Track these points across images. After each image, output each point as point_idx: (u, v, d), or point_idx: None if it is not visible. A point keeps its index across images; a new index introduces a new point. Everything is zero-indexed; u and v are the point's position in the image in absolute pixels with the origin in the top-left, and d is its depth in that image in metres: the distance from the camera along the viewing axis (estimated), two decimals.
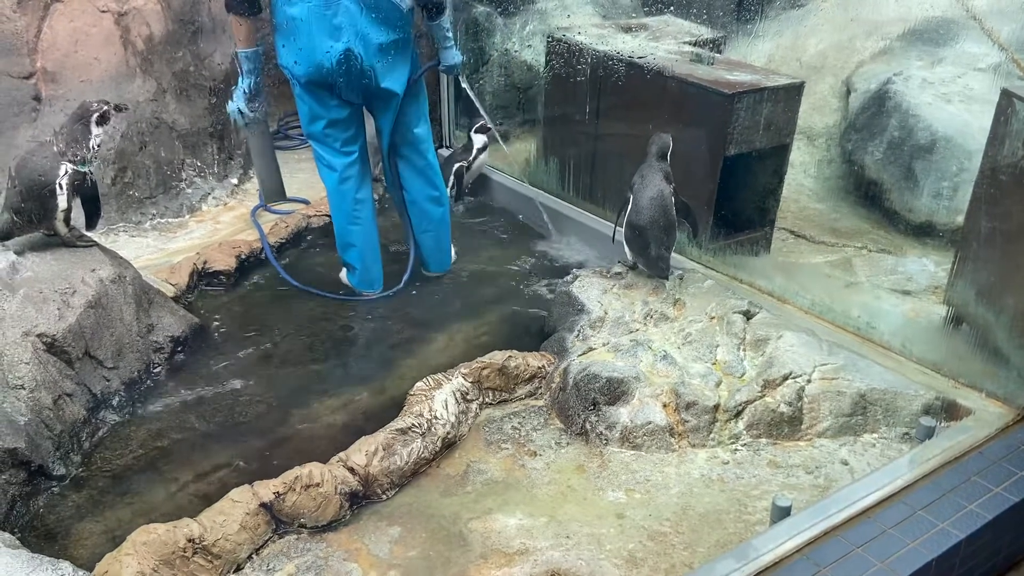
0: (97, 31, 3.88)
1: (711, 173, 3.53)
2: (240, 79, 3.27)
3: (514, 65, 5.00)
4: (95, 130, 2.80)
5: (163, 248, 3.86)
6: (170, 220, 4.13)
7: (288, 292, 3.55)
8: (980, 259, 2.89)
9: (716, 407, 2.71)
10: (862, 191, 4.41)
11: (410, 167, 3.54)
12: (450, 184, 4.37)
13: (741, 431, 2.70)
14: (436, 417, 2.63)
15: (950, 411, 2.65)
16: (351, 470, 2.40)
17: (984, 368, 2.72)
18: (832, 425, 2.69)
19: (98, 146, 2.84)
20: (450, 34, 3.34)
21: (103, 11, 3.88)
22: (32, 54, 3.72)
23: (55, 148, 2.79)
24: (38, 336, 2.55)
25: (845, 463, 2.58)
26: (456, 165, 4.39)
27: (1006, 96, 2.72)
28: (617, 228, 3.36)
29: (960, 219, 3.45)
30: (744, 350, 2.94)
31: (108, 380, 2.78)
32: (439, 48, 3.35)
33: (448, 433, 2.64)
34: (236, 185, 4.53)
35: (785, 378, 2.77)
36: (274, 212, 4.21)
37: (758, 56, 4.99)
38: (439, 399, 2.69)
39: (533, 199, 4.18)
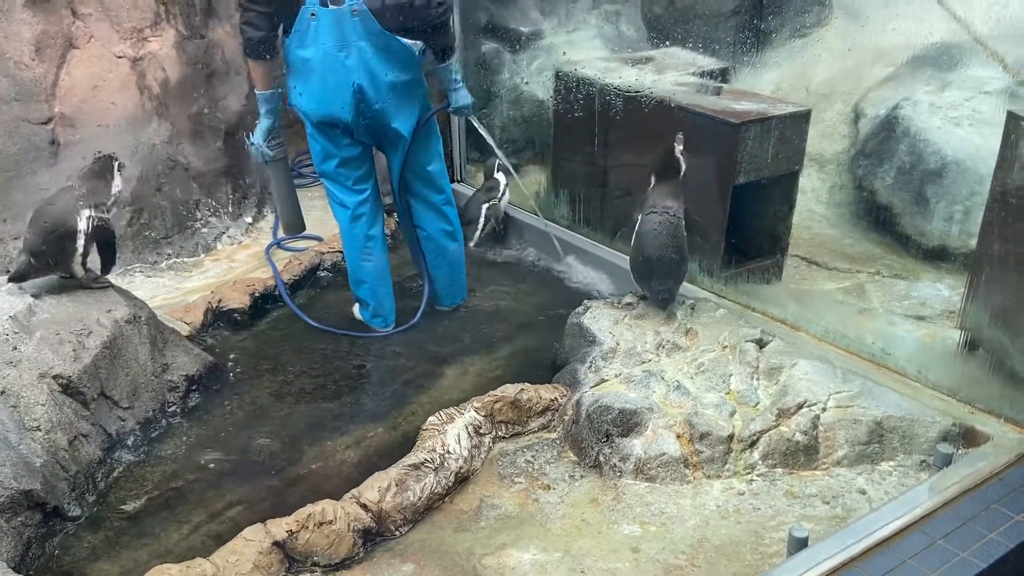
0: (113, 76, 3.97)
1: (721, 202, 3.53)
2: (260, 120, 3.34)
3: (523, 99, 5.05)
4: (117, 179, 2.87)
5: (178, 287, 3.91)
6: (185, 260, 4.19)
7: (302, 329, 3.57)
8: (993, 283, 2.87)
9: (731, 437, 2.69)
10: (874, 216, 4.40)
11: (424, 203, 3.57)
12: (483, 226, 4.40)
13: (756, 461, 2.68)
14: (449, 452, 2.63)
15: (968, 437, 2.62)
16: (364, 507, 2.39)
17: (1001, 393, 2.69)
18: (849, 454, 2.66)
19: (119, 193, 2.91)
20: (459, 76, 3.39)
21: (119, 57, 3.98)
22: (50, 100, 3.81)
23: (76, 193, 2.86)
24: (54, 378, 2.58)
25: (863, 492, 2.55)
26: (487, 204, 4.41)
27: (1013, 119, 2.72)
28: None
29: (973, 243, 3.43)
30: (758, 379, 2.92)
31: (123, 420, 2.80)
32: (448, 90, 3.40)
33: (461, 468, 2.63)
34: (250, 223, 4.59)
35: (800, 406, 2.74)
36: (288, 249, 4.26)
37: (765, 85, 5.02)
38: (452, 433, 2.69)
39: (544, 229, 4.21)
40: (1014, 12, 4.37)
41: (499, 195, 4.42)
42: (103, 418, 2.73)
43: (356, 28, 3.03)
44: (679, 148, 3.21)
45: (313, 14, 3.00)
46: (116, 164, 2.91)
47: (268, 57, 3.17)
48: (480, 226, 4.41)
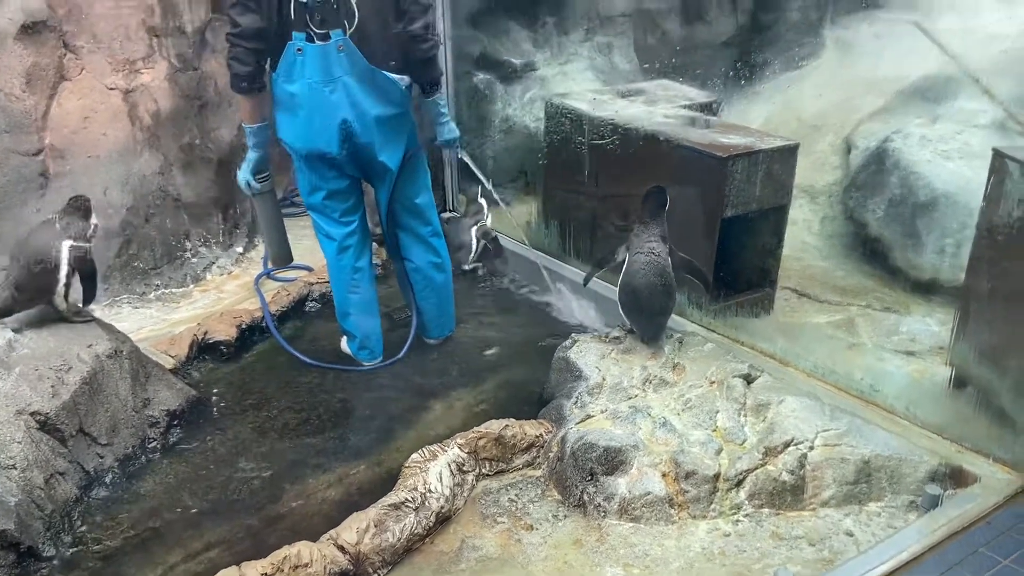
0: (105, 108, 3.97)
1: (709, 235, 3.53)
2: (248, 152, 3.34)
3: (515, 130, 5.07)
4: (93, 216, 2.92)
5: (166, 319, 3.89)
6: (174, 290, 4.17)
7: (288, 362, 3.55)
8: (982, 319, 2.85)
9: (717, 476, 2.66)
10: (866, 248, 4.39)
11: (412, 235, 3.56)
12: (476, 247, 4.43)
13: (743, 501, 2.64)
14: (430, 491, 2.59)
15: (956, 477, 2.58)
16: (341, 548, 2.35)
17: (989, 432, 2.66)
18: (836, 494, 2.62)
19: (95, 229, 2.93)
20: (445, 110, 3.39)
21: (111, 88, 3.98)
22: (40, 131, 3.81)
23: (56, 226, 2.87)
24: (31, 415, 2.56)
25: (850, 534, 2.50)
26: (476, 226, 4.44)
27: (997, 156, 2.71)
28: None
29: (964, 275, 3.41)
30: (745, 415, 2.89)
31: (102, 457, 2.76)
32: (435, 124, 3.40)
33: (442, 507, 2.59)
34: (241, 253, 4.57)
35: (787, 445, 2.71)
36: (277, 280, 4.25)
37: (757, 116, 5.04)
38: (433, 471, 2.65)
39: (533, 259, 4.20)
40: (1003, 46, 4.39)
41: (485, 217, 4.46)
42: (81, 455, 2.70)
43: (342, 63, 3.04)
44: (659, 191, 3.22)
45: (299, 49, 3.01)
46: (91, 204, 2.94)
47: (256, 92, 3.17)
48: (473, 248, 4.43)
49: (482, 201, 4.48)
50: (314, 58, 3.02)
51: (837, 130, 5.04)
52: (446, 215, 4.71)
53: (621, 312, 3.28)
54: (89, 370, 2.77)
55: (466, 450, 2.79)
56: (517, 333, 3.88)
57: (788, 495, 2.63)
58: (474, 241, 4.44)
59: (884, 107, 4.91)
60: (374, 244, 3.74)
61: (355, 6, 3.01)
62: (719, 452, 2.73)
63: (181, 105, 4.23)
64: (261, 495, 2.76)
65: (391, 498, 2.53)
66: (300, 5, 2.97)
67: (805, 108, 5.21)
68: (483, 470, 2.83)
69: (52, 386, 2.66)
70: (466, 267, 4.42)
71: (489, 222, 4.49)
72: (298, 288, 4.06)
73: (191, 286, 4.23)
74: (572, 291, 4.05)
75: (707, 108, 4.19)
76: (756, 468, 2.66)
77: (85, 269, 2.92)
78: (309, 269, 4.26)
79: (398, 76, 3.16)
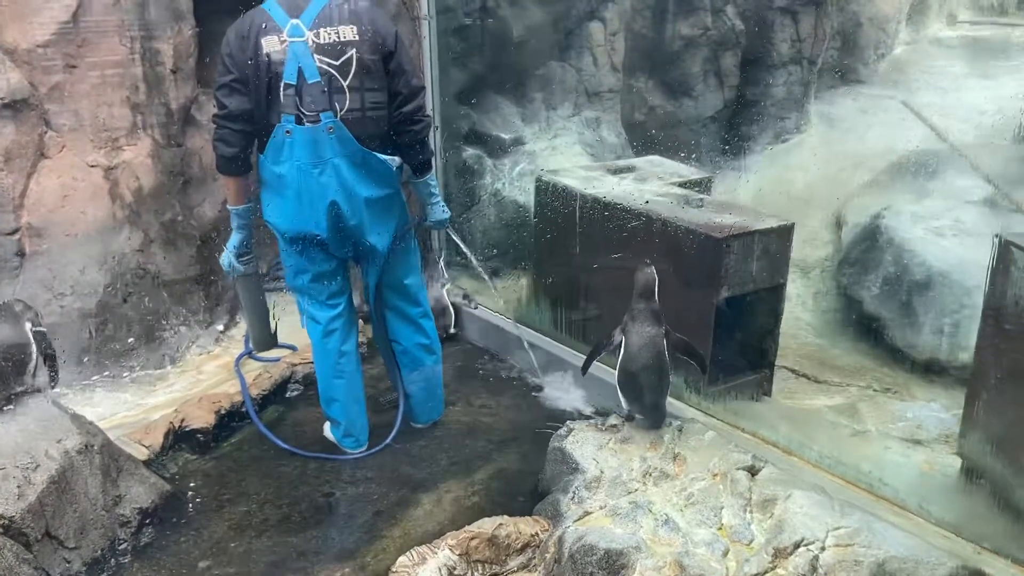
0: (85, 185, 3.87)
1: (705, 317, 3.44)
2: (232, 234, 3.25)
3: (505, 204, 5.02)
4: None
5: (141, 404, 3.72)
6: (151, 372, 4.00)
7: (268, 450, 3.39)
8: (992, 408, 2.76)
9: None
10: (861, 326, 4.34)
11: (401, 316, 3.45)
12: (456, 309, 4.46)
13: None
14: None
15: None
16: None
17: (1006, 530, 2.53)
18: None
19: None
20: (436, 190, 3.32)
21: (92, 166, 3.89)
22: (17, 210, 3.71)
23: (16, 309, 2.80)
24: None
25: None
26: (445, 288, 4.46)
27: (1003, 244, 2.66)
28: (591, 360, 3.25)
29: (964, 356, 3.34)
30: (751, 512, 2.75)
31: (68, 562, 2.58)
32: (426, 204, 3.33)
33: None
34: (222, 332, 4.43)
35: (797, 545, 2.57)
36: (259, 359, 4.10)
37: (746, 191, 5.04)
38: None
39: (521, 339, 4.09)
40: (987, 120, 4.43)
41: (447, 278, 4.52)
42: (46, 560, 2.51)
43: (332, 145, 2.96)
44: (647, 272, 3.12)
45: (288, 131, 2.94)
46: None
47: (242, 173, 3.09)
48: (453, 312, 4.45)
49: (441, 263, 4.51)
50: (303, 140, 2.95)
51: (826, 205, 5.05)
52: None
53: (620, 395, 3.16)
54: (58, 468, 2.61)
55: (457, 552, 2.64)
56: (509, 416, 3.74)
57: None
58: (449, 304, 4.42)
59: (873, 182, 4.93)
60: (360, 322, 3.62)
61: (346, 88, 2.95)
62: (726, 553, 2.58)
63: (164, 181, 4.14)
64: None
65: None
66: (289, 87, 2.91)
67: (794, 182, 5.23)
68: (475, 573, 2.67)
69: (18, 487, 2.48)
70: (453, 331, 4.40)
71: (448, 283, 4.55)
72: (280, 370, 3.91)
73: (168, 367, 4.07)
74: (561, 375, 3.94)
75: (699, 185, 4.15)
76: (766, 572, 2.51)
77: (48, 351, 2.83)
78: (293, 348, 4.12)
79: (389, 157, 3.10)
